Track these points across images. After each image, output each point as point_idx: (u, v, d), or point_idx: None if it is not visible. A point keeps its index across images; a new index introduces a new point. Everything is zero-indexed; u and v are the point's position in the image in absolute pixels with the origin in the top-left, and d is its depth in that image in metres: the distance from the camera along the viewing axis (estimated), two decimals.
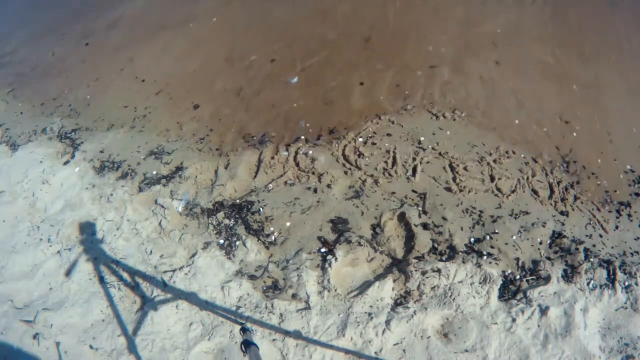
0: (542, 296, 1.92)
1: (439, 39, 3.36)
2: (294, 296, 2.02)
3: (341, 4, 3.90)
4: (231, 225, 2.36)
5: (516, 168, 2.46)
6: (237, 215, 2.39)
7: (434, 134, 2.67)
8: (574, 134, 2.63)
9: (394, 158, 2.56)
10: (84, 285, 2.22)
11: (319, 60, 3.34)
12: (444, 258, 2.09)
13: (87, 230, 2.48)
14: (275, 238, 2.28)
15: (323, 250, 2.18)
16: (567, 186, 2.37)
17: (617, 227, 2.18)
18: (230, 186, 2.55)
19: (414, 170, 2.48)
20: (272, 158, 2.66)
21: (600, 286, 1.95)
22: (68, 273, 2.29)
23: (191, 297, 2.08)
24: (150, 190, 2.61)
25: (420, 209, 2.29)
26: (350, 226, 2.26)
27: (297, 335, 1.89)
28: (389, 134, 2.70)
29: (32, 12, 5.11)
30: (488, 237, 2.15)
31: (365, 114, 2.87)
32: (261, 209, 2.40)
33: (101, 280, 2.23)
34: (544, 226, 2.17)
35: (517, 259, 2.07)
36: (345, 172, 2.53)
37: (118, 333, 2.02)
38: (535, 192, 2.35)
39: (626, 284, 1.95)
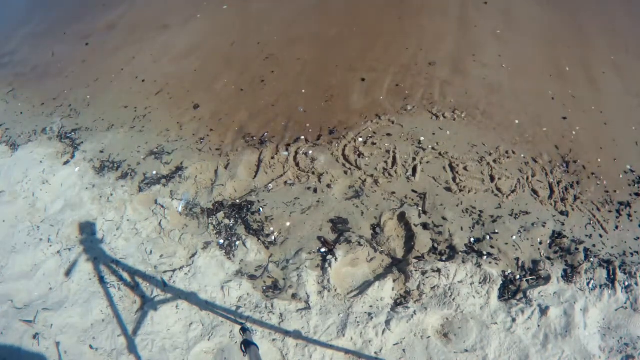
0: (542, 296, 1.92)
1: (439, 39, 3.36)
2: (294, 296, 2.02)
3: (339, 3, 3.91)
4: (231, 225, 2.36)
5: (516, 168, 2.46)
6: (237, 215, 2.39)
7: (434, 134, 2.67)
8: (574, 134, 2.63)
9: (394, 158, 2.56)
10: (84, 285, 2.22)
11: (319, 57, 3.34)
12: (444, 258, 2.09)
13: (87, 230, 2.48)
14: (275, 238, 2.28)
15: (323, 250, 2.18)
16: (567, 186, 2.37)
17: (617, 227, 2.18)
18: (230, 186, 2.55)
19: (414, 170, 2.48)
20: (272, 158, 2.66)
21: (600, 286, 1.95)
22: (68, 273, 2.29)
23: (191, 297, 2.08)
24: (150, 190, 2.61)
25: (420, 209, 2.29)
26: (350, 226, 2.26)
27: (297, 335, 1.89)
28: (389, 134, 2.71)
29: (32, 12, 5.11)
30: (488, 237, 2.15)
31: (365, 114, 2.87)
32: (261, 209, 2.40)
33: (101, 280, 2.23)
34: (544, 226, 2.17)
35: (517, 259, 2.07)
36: (345, 172, 2.53)
37: (118, 333, 2.02)
38: (535, 192, 2.35)
39: (626, 284, 1.95)
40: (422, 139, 2.65)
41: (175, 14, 4.26)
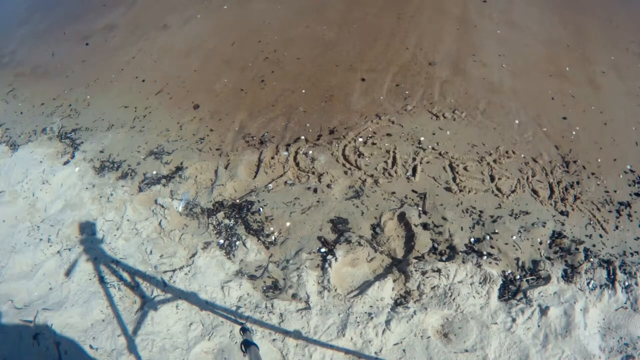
0: (542, 296, 1.92)
1: (439, 39, 3.36)
2: (294, 296, 2.02)
3: (339, 3, 3.91)
4: (231, 225, 2.36)
5: (516, 168, 2.46)
6: (237, 215, 2.39)
7: (434, 134, 2.67)
8: (574, 134, 2.63)
9: (394, 158, 2.56)
10: (84, 285, 2.22)
11: (319, 57, 3.34)
12: (444, 258, 2.09)
13: (87, 230, 2.48)
14: (275, 238, 2.28)
15: (323, 250, 2.18)
16: (567, 186, 2.37)
17: (617, 227, 2.18)
18: (230, 186, 2.55)
19: (414, 170, 2.48)
20: (272, 158, 2.66)
21: (600, 286, 1.95)
22: (68, 273, 2.29)
23: (191, 297, 2.08)
24: (150, 190, 2.61)
25: (420, 209, 2.29)
26: (350, 226, 2.26)
27: (297, 335, 1.89)
28: (389, 134, 2.70)
29: (32, 12, 5.11)
30: (488, 237, 2.15)
31: (365, 114, 2.87)
32: (261, 209, 2.40)
33: (101, 280, 2.23)
34: (544, 226, 2.17)
35: (517, 259, 2.07)
36: (345, 172, 2.53)
37: (118, 333, 2.02)
38: (535, 192, 2.35)
39: (626, 284, 1.95)
40: (422, 139, 2.65)
41: (175, 14, 4.26)
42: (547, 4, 3.67)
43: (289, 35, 3.64)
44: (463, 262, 2.04)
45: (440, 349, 1.82)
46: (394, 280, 2.03)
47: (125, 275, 2.23)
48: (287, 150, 2.70)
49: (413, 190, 2.40)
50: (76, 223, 2.53)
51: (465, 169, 2.46)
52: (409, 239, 2.19)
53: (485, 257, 2.07)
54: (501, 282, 1.99)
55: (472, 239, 2.15)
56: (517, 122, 2.72)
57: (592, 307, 1.88)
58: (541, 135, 2.63)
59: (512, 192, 2.35)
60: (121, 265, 2.27)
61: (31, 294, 2.25)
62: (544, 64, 3.12)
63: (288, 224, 2.33)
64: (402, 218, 2.27)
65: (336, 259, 2.10)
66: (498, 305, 1.91)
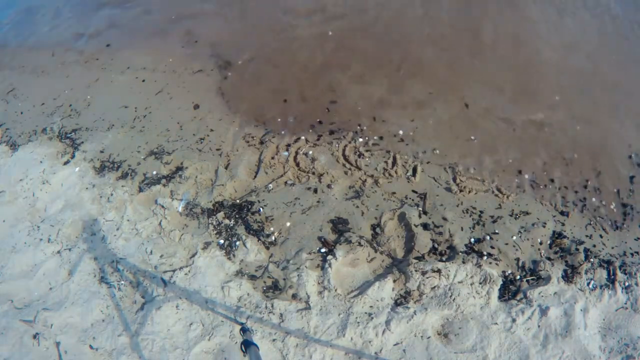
0: (542, 296, 1.92)
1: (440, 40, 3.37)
2: (294, 296, 2.02)
3: None
4: (231, 225, 2.36)
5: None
6: (237, 215, 2.40)
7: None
8: (575, 133, 2.63)
9: (394, 158, 2.56)
10: (84, 285, 2.22)
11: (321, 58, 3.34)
12: (444, 258, 2.09)
13: (87, 230, 2.48)
14: (275, 238, 2.28)
15: (323, 250, 2.18)
16: (567, 186, 2.37)
17: (617, 228, 2.18)
18: (231, 186, 2.55)
19: (414, 170, 2.48)
20: (273, 158, 2.66)
21: (601, 286, 1.95)
22: (68, 273, 2.29)
23: (191, 297, 2.08)
24: (151, 190, 2.61)
25: (421, 209, 2.29)
26: (350, 226, 2.26)
27: (297, 335, 1.89)
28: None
29: (32, 11, 5.11)
30: (488, 238, 2.15)
31: (365, 114, 2.87)
32: (261, 209, 2.40)
33: (101, 280, 2.23)
34: (544, 226, 2.17)
35: (517, 259, 2.07)
36: (346, 172, 2.53)
37: (118, 333, 2.03)
38: None
39: (626, 284, 1.96)
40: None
41: (175, 14, 4.25)
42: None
43: (291, 34, 3.63)
44: (463, 262, 2.04)
45: (441, 349, 1.82)
46: (394, 281, 2.03)
47: (125, 275, 2.24)
48: (287, 150, 2.70)
49: (413, 191, 2.40)
50: (76, 223, 2.53)
51: (465, 169, 2.46)
52: (409, 239, 2.19)
53: (485, 258, 2.07)
54: (501, 282, 1.99)
55: (472, 239, 2.15)
56: None
57: (592, 308, 1.88)
58: (543, 135, 2.63)
59: (512, 192, 2.35)
60: (121, 265, 2.27)
61: (31, 294, 2.25)
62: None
63: (288, 224, 2.33)
64: (402, 218, 2.27)
65: (336, 259, 2.10)
66: (498, 306, 1.91)
